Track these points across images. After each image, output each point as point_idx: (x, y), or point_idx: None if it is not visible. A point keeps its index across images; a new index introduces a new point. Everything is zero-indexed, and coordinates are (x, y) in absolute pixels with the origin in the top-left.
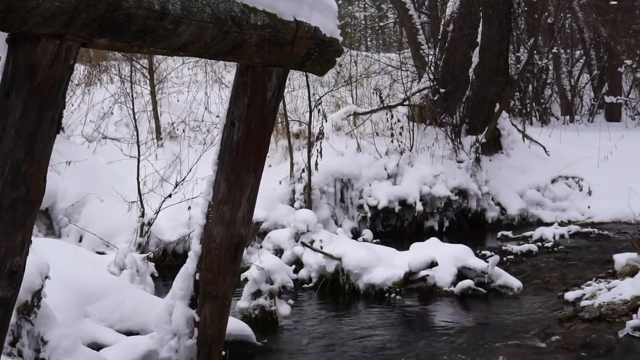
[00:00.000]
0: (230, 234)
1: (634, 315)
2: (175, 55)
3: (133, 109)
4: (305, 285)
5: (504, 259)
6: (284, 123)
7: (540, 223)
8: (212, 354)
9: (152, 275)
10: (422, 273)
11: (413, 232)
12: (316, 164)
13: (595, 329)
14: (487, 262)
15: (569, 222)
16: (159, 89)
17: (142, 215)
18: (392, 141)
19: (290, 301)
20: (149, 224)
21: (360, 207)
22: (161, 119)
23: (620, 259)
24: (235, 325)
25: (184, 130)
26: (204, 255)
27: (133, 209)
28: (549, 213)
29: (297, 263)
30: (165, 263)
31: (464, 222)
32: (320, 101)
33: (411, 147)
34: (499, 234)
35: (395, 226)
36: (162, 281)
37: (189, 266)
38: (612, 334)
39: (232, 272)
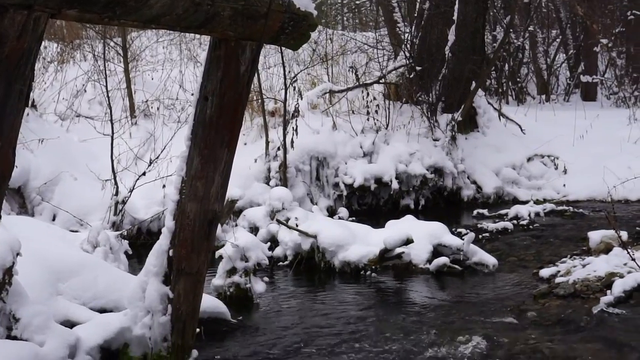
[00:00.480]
0: (203, 209)
1: (608, 292)
2: (147, 28)
3: (106, 87)
4: (281, 263)
5: (480, 236)
6: (259, 101)
7: (515, 201)
8: (186, 330)
9: (126, 253)
10: (398, 250)
11: (389, 210)
12: (292, 141)
13: (569, 305)
14: (463, 239)
15: (545, 201)
16: (133, 67)
17: (116, 193)
18: (367, 119)
19: (266, 278)
20: (123, 202)
21: (336, 185)
22: (135, 97)
23: (595, 236)
24: (210, 302)
25: (158, 109)
26: (178, 231)
27: (107, 188)
28: (525, 191)
29: (273, 241)
30: (140, 241)
31: (440, 200)
32: (295, 79)
33: (387, 125)
34: (475, 212)
35: (371, 204)
36: (137, 260)
37: (163, 242)
38: (586, 310)
39: (205, 248)
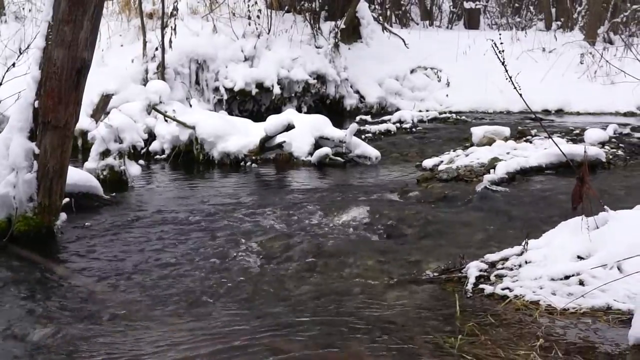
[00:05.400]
0: (71, 57)
1: (492, 171)
2: None
3: None
4: (158, 157)
5: (363, 137)
6: (137, 1)
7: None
8: (54, 189)
9: None
10: (279, 139)
11: None
12: (170, 41)
13: (453, 186)
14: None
15: (427, 111)
16: None
17: None
18: (249, 24)
19: (141, 161)
20: None
21: (216, 89)
22: None
23: (478, 131)
24: (81, 176)
25: (30, 10)
26: (44, 80)
27: None
28: (408, 102)
29: (150, 135)
30: None
31: (323, 108)
32: None
33: (269, 31)
34: (358, 118)
35: (252, 110)
36: None
37: (28, 95)
38: (470, 189)
39: (74, 99)
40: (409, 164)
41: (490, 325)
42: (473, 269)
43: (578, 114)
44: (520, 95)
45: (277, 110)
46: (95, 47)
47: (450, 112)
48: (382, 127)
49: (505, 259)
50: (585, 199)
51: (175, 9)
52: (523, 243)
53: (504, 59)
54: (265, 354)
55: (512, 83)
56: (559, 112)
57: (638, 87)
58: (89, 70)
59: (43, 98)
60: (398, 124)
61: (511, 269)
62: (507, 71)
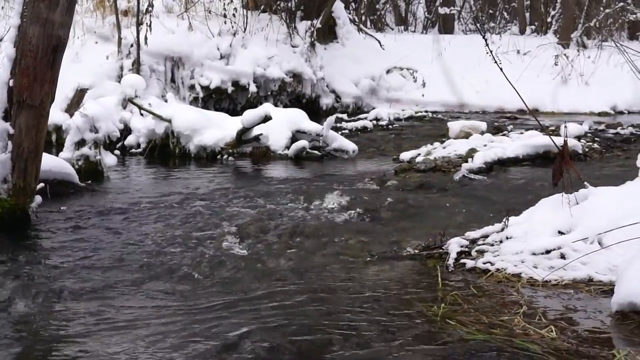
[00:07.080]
0: (47, 34)
1: (469, 160)
2: None
3: None
4: (134, 151)
5: (340, 133)
6: None
7: None
8: (28, 171)
9: None
10: (256, 131)
11: None
12: (145, 38)
13: (431, 176)
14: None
15: (403, 111)
16: None
17: None
18: (225, 22)
19: (117, 152)
20: None
21: (192, 87)
22: None
23: (455, 126)
24: (55, 162)
25: (2, 7)
26: (19, 58)
27: None
28: (384, 102)
29: (125, 130)
30: None
31: (299, 108)
32: None
33: (245, 29)
34: (334, 116)
35: (228, 109)
36: None
37: (2, 74)
38: (448, 178)
39: (49, 78)
40: (387, 158)
41: (473, 295)
42: (454, 245)
43: (553, 114)
44: (516, 90)
45: (253, 108)
46: (71, 26)
47: (426, 112)
48: (359, 124)
49: (486, 236)
50: (566, 175)
51: (151, 5)
52: (504, 220)
53: (490, 51)
54: (249, 329)
55: (506, 77)
56: (534, 112)
57: (612, 88)
58: (65, 49)
59: (18, 76)
60: (375, 121)
61: (492, 245)
62: (499, 66)
